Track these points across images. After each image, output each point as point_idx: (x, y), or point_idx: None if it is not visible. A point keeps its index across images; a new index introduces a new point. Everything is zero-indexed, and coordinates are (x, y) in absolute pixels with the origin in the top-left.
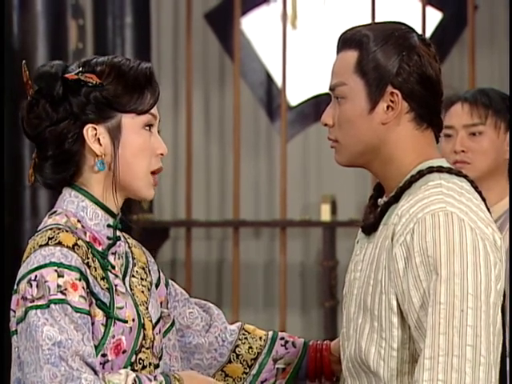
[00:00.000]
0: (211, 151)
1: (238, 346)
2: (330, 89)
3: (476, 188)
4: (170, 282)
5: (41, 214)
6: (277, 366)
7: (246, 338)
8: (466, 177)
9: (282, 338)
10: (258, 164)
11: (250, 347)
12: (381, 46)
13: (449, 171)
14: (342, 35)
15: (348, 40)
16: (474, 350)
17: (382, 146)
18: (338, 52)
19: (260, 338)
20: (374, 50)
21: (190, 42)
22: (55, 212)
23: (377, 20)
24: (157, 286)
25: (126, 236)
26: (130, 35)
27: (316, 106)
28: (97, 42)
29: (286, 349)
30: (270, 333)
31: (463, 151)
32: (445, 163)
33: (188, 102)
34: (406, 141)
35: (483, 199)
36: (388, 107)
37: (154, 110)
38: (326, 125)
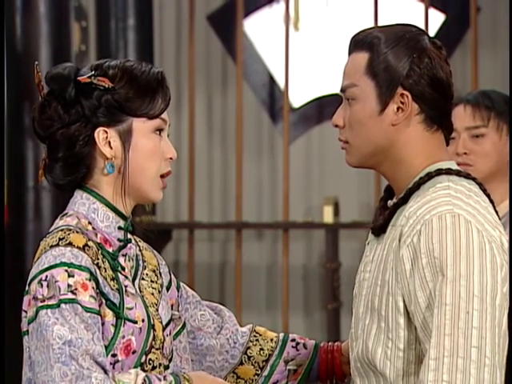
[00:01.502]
0: (214, 153)
1: (249, 347)
2: (341, 90)
3: (485, 191)
4: (182, 284)
5: (44, 215)
6: (288, 368)
7: (257, 340)
8: (474, 179)
9: (293, 340)
10: (260, 166)
11: (262, 349)
12: (392, 47)
13: (457, 174)
14: (353, 37)
15: (359, 42)
16: (478, 352)
17: (391, 147)
18: (349, 53)
19: (271, 339)
20: (384, 52)
21: (193, 43)
22: (66, 214)
23: (379, 22)
24: (168, 288)
25: (138, 239)
26: (132, 37)
27: (319, 107)
28: (100, 44)
29: (297, 350)
30: (281, 334)
31: (465, 153)
32: (454, 165)
33: (191, 103)
34: (415, 142)
35: (491, 202)
36: (398, 109)
37: (164, 115)
38: (336, 126)
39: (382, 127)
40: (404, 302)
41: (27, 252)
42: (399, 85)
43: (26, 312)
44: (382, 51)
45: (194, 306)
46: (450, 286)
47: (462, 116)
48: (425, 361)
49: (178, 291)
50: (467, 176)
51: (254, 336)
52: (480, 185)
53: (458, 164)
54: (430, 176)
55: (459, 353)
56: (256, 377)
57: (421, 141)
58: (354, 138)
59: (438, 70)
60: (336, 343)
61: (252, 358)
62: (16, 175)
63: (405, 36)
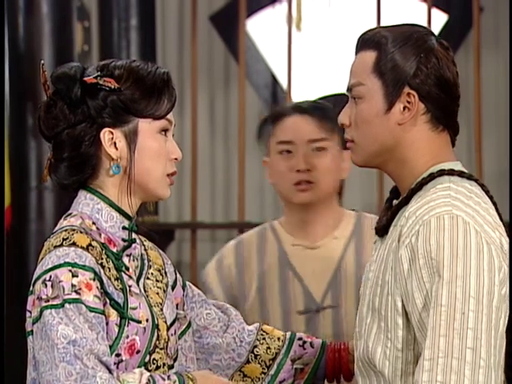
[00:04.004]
0: (216, 153)
1: (256, 346)
2: (348, 89)
3: (487, 192)
4: (188, 283)
5: (46, 216)
6: (295, 366)
7: (264, 339)
8: (476, 180)
9: (300, 339)
10: (263, 166)
11: (268, 347)
12: (399, 47)
13: (460, 174)
14: (361, 36)
15: (367, 41)
16: (473, 353)
17: (397, 146)
18: (356, 52)
19: (278, 338)
20: (392, 51)
21: (195, 44)
22: (70, 214)
23: (382, 22)
24: (173, 287)
25: (143, 239)
26: (135, 37)
27: None
28: (102, 44)
29: (304, 349)
30: (288, 333)
31: (308, 170)
32: (458, 166)
33: (193, 103)
34: (421, 142)
35: (494, 203)
36: (404, 108)
37: (169, 116)
38: (342, 125)
39: (388, 126)
40: (402, 302)
41: (30, 252)
42: (406, 84)
43: (30, 312)
44: (390, 50)
45: (199, 304)
46: (446, 287)
47: (303, 128)
48: (420, 361)
49: (184, 290)
50: (470, 177)
51: (261, 335)
52: (482, 186)
53: (299, 182)
54: (432, 176)
55: (454, 354)
56: (263, 375)
57: (426, 141)
58: (360, 137)
59: (444, 71)
60: (343, 342)
61: (259, 357)
62: (19, 175)
63: (412, 36)
